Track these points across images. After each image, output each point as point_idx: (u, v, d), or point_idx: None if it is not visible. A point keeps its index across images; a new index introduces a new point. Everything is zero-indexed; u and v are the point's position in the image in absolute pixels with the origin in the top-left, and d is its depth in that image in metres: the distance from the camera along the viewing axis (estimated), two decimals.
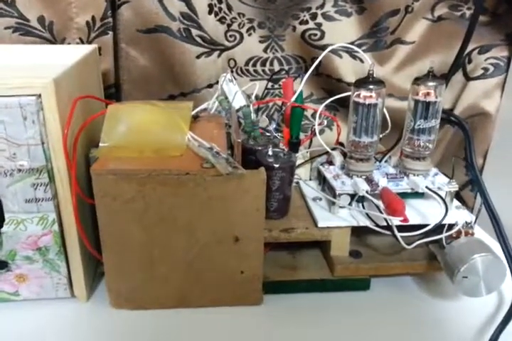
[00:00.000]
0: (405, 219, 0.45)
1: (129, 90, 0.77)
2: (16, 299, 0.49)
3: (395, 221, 0.47)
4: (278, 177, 0.51)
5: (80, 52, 0.58)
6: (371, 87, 0.51)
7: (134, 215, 0.45)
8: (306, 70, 0.88)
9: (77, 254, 0.47)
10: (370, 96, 0.51)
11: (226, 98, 0.54)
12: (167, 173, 0.43)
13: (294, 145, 0.72)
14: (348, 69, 0.82)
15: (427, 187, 0.51)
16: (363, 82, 0.52)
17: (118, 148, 0.48)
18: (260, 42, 0.85)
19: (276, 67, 0.87)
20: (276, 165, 0.50)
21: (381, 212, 0.48)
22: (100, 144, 0.48)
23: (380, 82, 0.52)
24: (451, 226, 0.51)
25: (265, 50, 0.85)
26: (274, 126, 0.69)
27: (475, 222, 0.52)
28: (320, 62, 0.85)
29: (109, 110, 0.50)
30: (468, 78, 0.76)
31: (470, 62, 0.76)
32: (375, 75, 0.53)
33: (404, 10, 0.80)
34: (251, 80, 0.86)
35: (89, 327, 0.48)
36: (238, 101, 0.58)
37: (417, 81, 0.53)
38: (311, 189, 0.60)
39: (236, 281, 0.48)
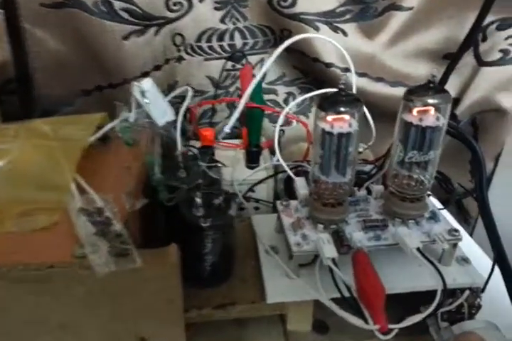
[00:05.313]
0: (383, 327, 0.31)
1: (44, 80, 0.60)
2: None
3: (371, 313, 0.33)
4: (210, 239, 0.36)
5: None
6: (342, 109, 0.34)
7: None
8: (276, 44, 0.70)
9: None
10: (342, 121, 0.35)
11: (130, 126, 0.37)
12: (21, 269, 0.28)
13: (253, 155, 0.57)
14: (326, 46, 0.64)
15: (418, 249, 0.36)
16: (331, 102, 0.35)
17: None
18: (216, 9, 0.66)
19: (238, 41, 0.69)
20: (206, 225, 0.35)
21: (352, 298, 0.34)
22: None
23: (355, 101, 0.35)
24: (451, 292, 0.38)
25: (223, 20, 0.66)
26: (228, 130, 0.52)
27: (483, 289, 0.38)
28: (291, 34, 0.68)
29: None
30: (480, 62, 0.58)
31: (485, 39, 0.57)
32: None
33: None
34: (205, 60, 0.69)
35: None
36: (162, 116, 0.42)
37: (411, 95, 0.36)
38: (266, 227, 0.46)
39: None
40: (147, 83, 0.38)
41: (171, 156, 0.43)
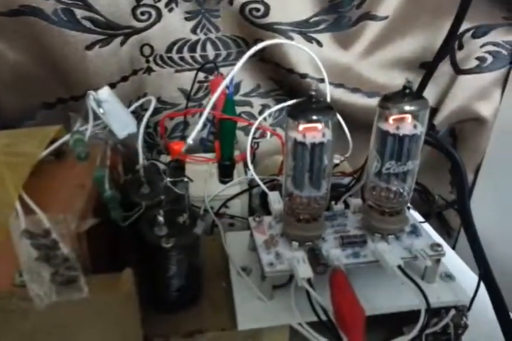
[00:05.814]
0: None
1: (2, 93, 0.57)
2: None
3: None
4: (174, 260, 0.33)
5: None
6: (314, 117, 0.32)
7: None
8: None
9: None
10: (315, 130, 0.33)
11: (83, 139, 0.34)
12: None
13: (226, 169, 0.54)
14: (301, 57, 0.63)
15: (399, 267, 0.34)
16: (301, 110, 0.33)
17: None
18: (186, 19, 0.64)
19: (211, 52, 0.67)
20: (168, 245, 0.32)
21: (330, 322, 0.31)
22: None
23: (327, 108, 0.33)
24: (435, 311, 0.35)
25: (194, 31, 0.64)
26: (191, 141, 0.48)
27: (469, 307, 0.36)
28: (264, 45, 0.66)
29: None
30: (457, 70, 0.57)
31: (461, 47, 0.57)
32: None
33: None
34: (176, 71, 0.66)
35: None
36: (122, 128, 0.39)
37: (386, 102, 0.34)
38: (239, 245, 0.43)
39: None
40: (104, 92, 0.36)
41: (134, 171, 0.40)
